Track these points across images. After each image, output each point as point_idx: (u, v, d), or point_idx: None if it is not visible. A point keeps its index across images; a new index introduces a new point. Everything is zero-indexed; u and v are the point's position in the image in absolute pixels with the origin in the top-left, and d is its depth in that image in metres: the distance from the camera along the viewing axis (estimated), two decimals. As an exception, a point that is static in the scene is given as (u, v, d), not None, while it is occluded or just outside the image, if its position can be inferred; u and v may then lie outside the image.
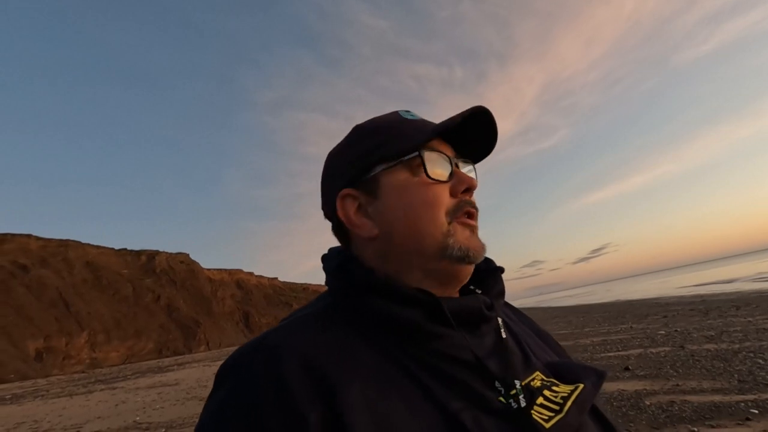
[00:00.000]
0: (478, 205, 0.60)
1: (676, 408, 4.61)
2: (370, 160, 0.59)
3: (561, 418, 0.48)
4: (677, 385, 5.55)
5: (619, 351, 8.86)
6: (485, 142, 0.63)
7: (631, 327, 12.69)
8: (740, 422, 3.99)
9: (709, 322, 10.89)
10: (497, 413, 0.47)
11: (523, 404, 0.48)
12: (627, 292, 45.56)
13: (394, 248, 0.57)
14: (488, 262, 0.65)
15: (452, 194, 0.58)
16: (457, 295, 0.60)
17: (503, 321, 0.59)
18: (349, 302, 0.55)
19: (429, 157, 0.57)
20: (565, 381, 0.54)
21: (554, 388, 0.52)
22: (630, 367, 6.94)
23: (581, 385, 0.52)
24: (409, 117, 0.62)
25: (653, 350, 8.28)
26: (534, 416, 0.47)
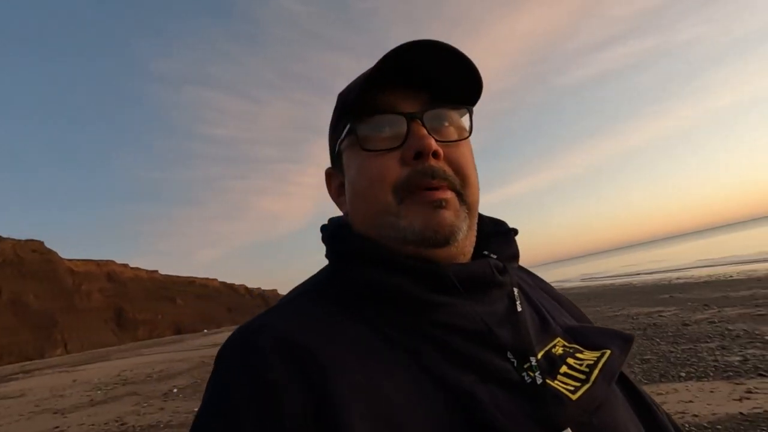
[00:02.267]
0: (450, 166, 0.49)
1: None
2: (334, 135, 0.55)
3: (588, 389, 0.43)
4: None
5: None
6: (468, 78, 0.51)
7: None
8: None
9: (589, 309, 12.50)
10: (515, 386, 0.42)
11: (539, 379, 0.42)
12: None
13: (361, 227, 0.52)
14: (498, 224, 0.59)
15: (405, 162, 0.48)
16: (464, 260, 0.52)
17: (519, 287, 0.53)
18: (342, 274, 0.50)
19: (367, 123, 0.49)
20: (589, 347, 0.49)
21: (578, 355, 0.48)
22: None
23: (608, 351, 0.48)
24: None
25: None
26: (558, 387, 0.43)
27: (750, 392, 3.95)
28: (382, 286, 0.46)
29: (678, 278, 17.59)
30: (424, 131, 0.48)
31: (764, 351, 5.19)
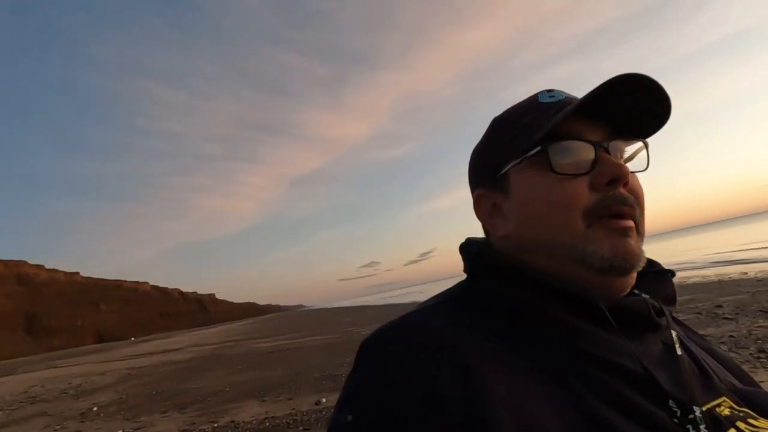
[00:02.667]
0: (638, 196, 0.49)
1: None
2: (501, 157, 0.54)
3: None
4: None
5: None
6: (654, 113, 0.51)
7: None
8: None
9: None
10: None
11: None
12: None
13: (529, 251, 0.51)
14: (653, 264, 0.56)
15: (594, 188, 0.48)
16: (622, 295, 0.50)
17: (677, 334, 0.49)
18: (490, 290, 0.50)
19: (558, 147, 0.49)
20: (764, 414, 0.45)
21: (751, 421, 0.43)
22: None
23: None
24: (548, 100, 0.52)
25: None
26: None
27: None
28: (535, 306, 0.46)
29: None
30: (615, 161, 0.49)
31: None
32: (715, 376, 0.48)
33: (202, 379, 10.38)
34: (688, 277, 15.53)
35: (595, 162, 0.48)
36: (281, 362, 11.44)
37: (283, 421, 5.43)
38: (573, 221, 0.47)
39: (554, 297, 0.45)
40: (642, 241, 0.50)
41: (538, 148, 0.49)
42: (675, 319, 0.56)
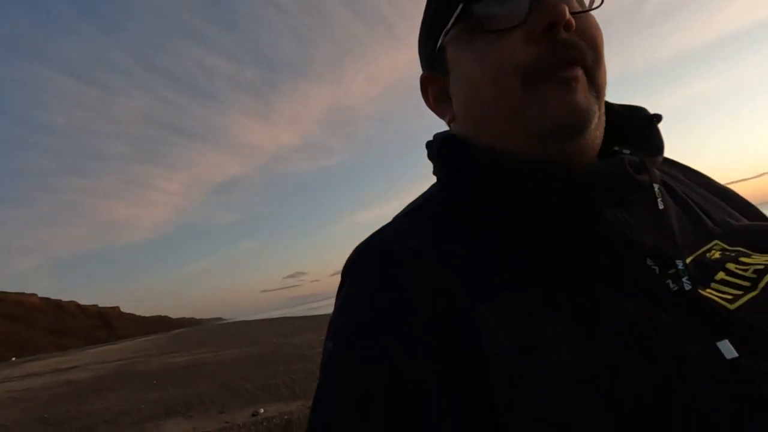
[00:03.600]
0: (583, 39, 0.41)
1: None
2: (435, 29, 0.47)
3: (754, 296, 0.36)
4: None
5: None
6: None
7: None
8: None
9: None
10: (660, 296, 0.37)
11: (687, 286, 0.37)
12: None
13: (476, 132, 0.46)
14: (634, 111, 0.49)
15: (531, 39, 0.40)
16: (594, 159, 0.44)
17: (662, 184, 0.45)
18: (459, 190, 0.46)
19: (483, 1, 0.42)
20: (761, 249, 0.41)
21: (742, 259, 0.40)
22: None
23: None
24: None
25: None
26: (711, 296, 0.36)
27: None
28: (505, 200, 0.42)
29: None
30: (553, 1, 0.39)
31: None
32: (707, 220, 0.46)
33: (107, 399, 9.09)
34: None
35: (531, 8, 0.40)
36: (204, 376, 10.47)
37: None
38: (509, 84, 0.41)
39: (529, 179, 0.40)
40: (597, 92, 0.42)
41: (461, 6, 0.43)
42: (673, 163, 0.53)
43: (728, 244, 0.43)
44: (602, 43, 0.43)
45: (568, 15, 0.39)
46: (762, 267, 0.39)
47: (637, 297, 0.36)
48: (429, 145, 0.51)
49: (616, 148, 0.46)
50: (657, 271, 0.38)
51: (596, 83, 0.42)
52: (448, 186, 0.48)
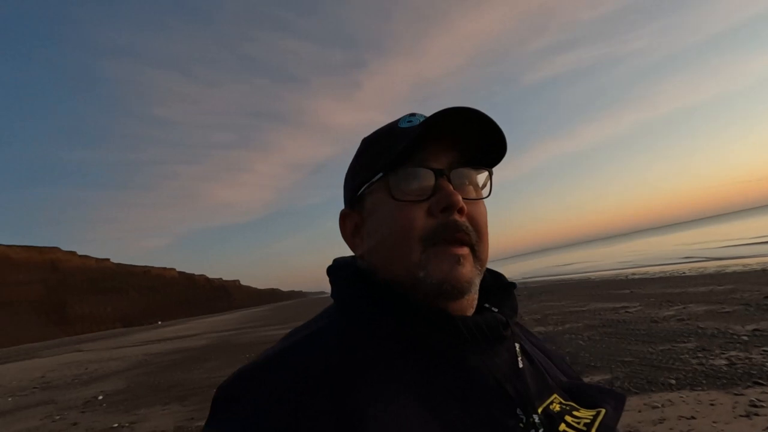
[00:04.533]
0: (470, 222, 0.52)
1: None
2: (360, 178, 0.57)
3: None
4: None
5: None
6: (493, 143, 0.55)
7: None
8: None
9: (534, 306, 12.21)
10: None
11: None
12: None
13: (376, 271, 0.54)
14: (498, 277, 0.62)
15: (431, 215, 0.51)
16: (471, 312, 0.55)
17: (520, 346, 0.55)
18: (362, 319, 0.51)
19: (400, 174, 0.52)
20: (585, 405, 0.52)
21: (575, 413, 0.50)
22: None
23: (603, 410, 0.51)
24: (406, 125, 0.56)
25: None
26: None
27: (755, 406, 3.43)
28: (407, 335, 0.49)
29: (633, 274, 17.91)
30: (452, 187, 0.51)
31: (747, 353, 4.79)
32: (547, 376, 0.55)
33: (206, 369, 10.20)
34: (727, 266, 14.48)
35: (435, 189, 0.51)
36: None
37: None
38: (409, 247, 0.50)
39: (425, 324, 0.48)
40: (480, 265, 0.53)
41: (380, 174, 0.53)
42: (516, 323, 0.61)
43: (563, 398, 0.52)
44: (485, 225, 0.54)
45: (461, 203, 0.50)
46: (589, 420, 0.49)
47: None
48: (333, 269, 0.58)
49: (486, 305, 0.56)
50: (524, 420, 0.46)
51: (480, 258, 0.53)
52: (351, 310, 0.52)
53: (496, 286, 0.60)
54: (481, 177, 0.56)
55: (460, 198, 0.50)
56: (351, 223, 0.58)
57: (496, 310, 0.55)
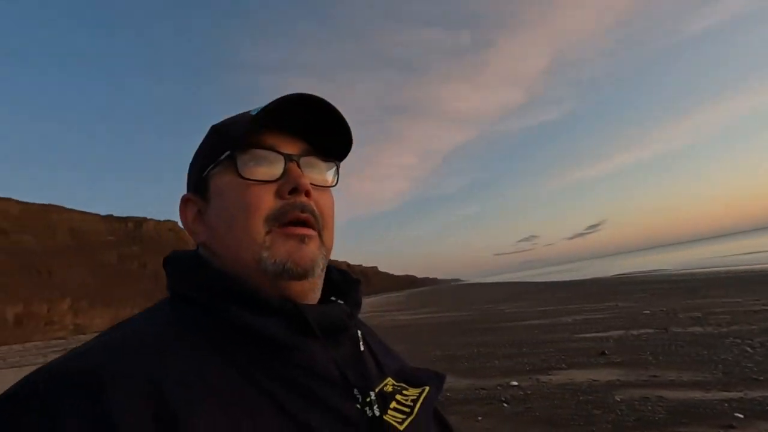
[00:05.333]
0: (317, 207, 0.54)
1: (649, 407, 3.86)
2: (205, 161, 0.56)
3: (412, 419, 0.52)
4: (654, 375, 4.87)
5: (598, 332, 8.27)
6: (342, 136, 0.58)
7: (616, 305, 12.17)
8: (721, 429, 3.23)
9: (697, 302, 10.33)
10: (356, 423, 0.48)
11: (377, 412, 0.49)
12: (619, 268, 46.52)
13: (220, 258, 0.53)
14: (344, 274, 0.65)
15: (279, 196, 0.52)
16: (315, 299, 0.57)
17: (361, 333, 0.59)
18: (198, 311, 0.50)
19: (249, 155, 0.53)
20: (412, 384, 0.58)
21: (404, 392, 0.56)
22: (606, 352, 6.33)
23: (427, 388, 0.57)
24: (255, 113, 0.55)
25: (634, 332, 7.67)
26: (389, 420, 0.50)
27: None
28: (250, 328, 0.47)
29: None
30: (300, 171, 0.54)
31: None
32: (383, 362, 0.60)
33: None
34: None
35: (284, 173, 0.53)
36: (408, 337, 11.46)
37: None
38: (255, 226, 0.50)
39: (270, 314, 0.48)
40: (326, 250, 0.55)
41: (228, 153, 0.53)
42: (359, 320, 0.65)
43: (396, 381, 0.58)
44: (331, 213, 0.57)
45: (308, 187, 0.53)
46: (415, 397, 0.55)
47: (338, 422, 0.46)
48: (170, 261, 0.57)
49: (333, 298, 0.59)
50: (360, 399, 0.49)
51: (325, 244, 0.55)
52: (189, 304, 0.50)
53: (342, 281, 0.63)
54: (329, 167, 0.59)
55: (307, 182, 0.53)
56: (193, 209, 0.57)
57: (342, 302, 0.57)
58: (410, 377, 0.59)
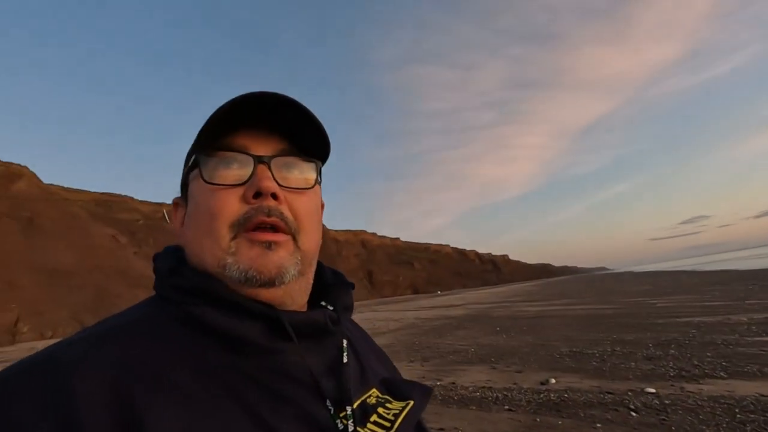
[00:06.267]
0: (290, 210, 0.51)
1: None
2: (186, 163, 0.56)
3: None
4: None
5: (780, 336, 6.54)
6: (315, 137, 0.54)
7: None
8: None
9: None
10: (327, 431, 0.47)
11: (351, 428, 0.47)
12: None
13: (191, 262, 0.52)
14: (338, 276, 0.63)
15: (245, 200, 0.50)
16: (304, 308, 0.56)
17: (348, 339, 0.57)
18: (176, 310, 0.49)
19: (214, 159, 0.51)
20: (397, 398, 0.56)
21: (387, 405, 0.54)
22: (788, 362, 4.95)
23: (411, 402, 0.55)
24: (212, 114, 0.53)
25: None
26: None
27: None
28: (222, 328, 0.47)
29: None
30: (268, 174, 0.51)
31: None
32: (370, 371, 0.59)
33: (456, 337, 11.00)
34: None
35: (251, 176, 0.50)
36: (535, 330, 10.74)
37: (496, 394, 4.99)
38: (219, 232, 0.49)
39: (247, 317, 0.47)
40: (302, 255, 0.52)
41: (194, 157, 0.52)
42: (351, 321, 0.65)
43: (380, 392, 0.56)
44: (310, 215, 0.53)
45: (274, 189, 0.50)
46: (397, 411, 0.53)
47: (311, 427, 0.45)
48: (158, 257, 0.57)
49: (322, 303, 0.57)
50: (332, 411, 0.47)
51: (301, 249, 0.52)
52: (169, 303, 0.50)
53: (335, 284, 0.61)
54: (309, 167, 0.55)
55: (273, 184, 0.50)
56: (182, 212, 0.57)
57: (332, 308, 0.56)
58: (396, 389, 0.57)
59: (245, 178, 0.50)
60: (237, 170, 0.50)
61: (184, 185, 0.56)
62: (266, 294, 0.49)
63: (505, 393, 5.03)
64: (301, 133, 0.53)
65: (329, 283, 0.60)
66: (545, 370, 6.08)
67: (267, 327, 0.48)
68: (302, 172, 0.54)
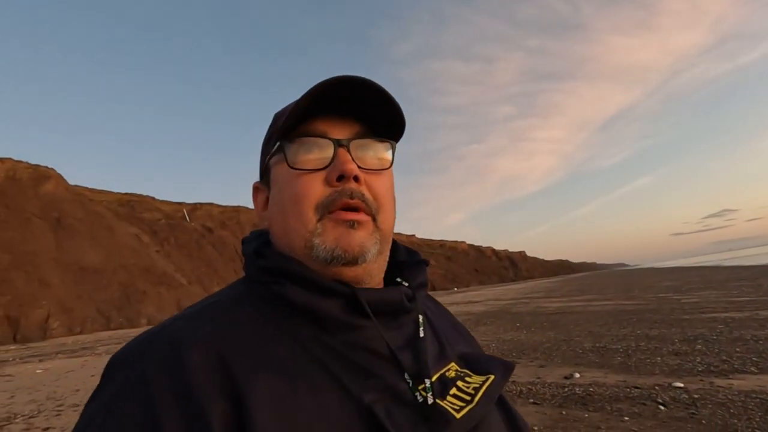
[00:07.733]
0: (370, 191, 0.54)
1: None
2: (265, 150, 0.59)
3: (471, 408, 0.50)
4: None
5: (812, 331, 6.37)
6: (392, 118, 0.56)
7: None
8: None
9: None
10: (409, 404, 0.48)
11: (430, 400, 0.48)
12: None
13: (279, 242, 0.56)
14: (412, 254, 0.65)
15: (328, 183, 0.53)
16: (381, 285, 0.58)
17: (425, 314, 0.59)
18: (264, 290, 0.53)
19: (296, 144, 0.54)
20: (477, 372, 0.56)
21: (467, 379, 0.55)
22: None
23: (492, 377, 0.55)
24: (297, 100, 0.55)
25: None
26: (446, 406, 0.49)
27: None
28: (308, 306, 0.50)
29: None
30: (348, 157, 0.53)
31: None
32: (448, 346, 0.59)
33: (477, 333, 10.98)
34: None
35: (333, 159, 0.52)
36: (557, 325, 10.67)
37: (520, 388, 5.03)
38: (305, 215, 0.52)
39: (327, 295, 0.50)
40: (381, 235, 0.54)
41: (278, 143, 0.55)
42: (429, 297, 0.68)
43: (460, 367, 0.57)
44: (387, 196, 0.56)
45: (356, 172, 0.52)
46: (477, 385, 0.53)
47: (389, 402, 0.47)
48: (246, 241, 0.61)
49: (398, 280, 0.59)
50: (410, 384, 0.49)
51: (380, 228, 0.54)
52: (257, 285, 0.54)
53: (410, 262, 0.63)
54: (385, 148, 0.57)
55: (355, 166, 0.52)
56: (263, 196, 0.60)
57: (406, 284, 0.58)
58: (476, 364, 0.58)
59: (327, 161, 0.53)
60: (319, 154, 0.53)
61: (265, 170, 0.59)
62: (348, 272, 0.52)
63: (529, 387, 5.06)
64: (374, 114, 0.55)
65: (404, 261, 0.63)
66: (569, 365, 6.06)
67: (345, 304, 0.50)
68: (378, 153, 0.57)
